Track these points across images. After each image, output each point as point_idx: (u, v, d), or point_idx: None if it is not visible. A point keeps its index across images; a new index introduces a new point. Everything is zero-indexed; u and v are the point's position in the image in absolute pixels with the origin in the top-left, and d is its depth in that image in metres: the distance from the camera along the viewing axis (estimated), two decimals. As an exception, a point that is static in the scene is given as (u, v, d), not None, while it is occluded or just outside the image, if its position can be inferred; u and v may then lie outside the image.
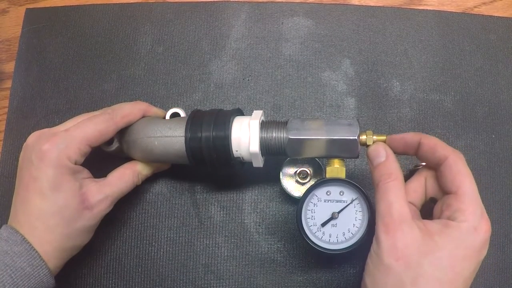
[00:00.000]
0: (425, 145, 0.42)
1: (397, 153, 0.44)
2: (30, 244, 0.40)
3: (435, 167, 0.42)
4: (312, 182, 0.49)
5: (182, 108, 0.50)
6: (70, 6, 0.59)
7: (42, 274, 0.41)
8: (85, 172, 0.46)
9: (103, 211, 0.45)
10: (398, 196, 0.39)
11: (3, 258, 0.39)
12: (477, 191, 0.39)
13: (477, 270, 0.38)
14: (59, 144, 0.42)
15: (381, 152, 0.42)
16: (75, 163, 0.43)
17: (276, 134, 0.45)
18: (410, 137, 0.43)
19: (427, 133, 0.54)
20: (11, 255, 0.40)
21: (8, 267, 0.39)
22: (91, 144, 0.44)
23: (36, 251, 0.40)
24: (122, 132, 0.48)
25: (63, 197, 0.42)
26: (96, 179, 0.46)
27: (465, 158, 0.53)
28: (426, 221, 0.39)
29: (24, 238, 0.41)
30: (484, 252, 0.38)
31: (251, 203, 0.53)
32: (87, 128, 0.44)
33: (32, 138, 0.44)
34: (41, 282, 0.41)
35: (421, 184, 0.44)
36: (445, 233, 0.37)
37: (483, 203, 0.52)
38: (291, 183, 0.50)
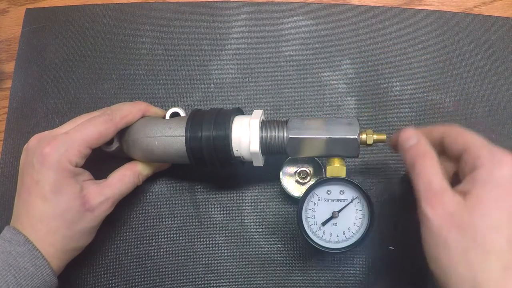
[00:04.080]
0: (448, 138, 0.41)
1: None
2: (33, 245, 0.41)
3: (452, 154, 0.41)
4: (312, 182, 0.49)
5: (182, 108, 0.50)
6: (70, 6, 0.59)
7: (45, 274, 0.41)
8: (86, 174, 0.46)
9: (104, 213, 0.45)
10: (436, 172, 0.38)
11: (7, 258, 0.40)
12: (487, 141, 0.38)
13: None
14: (59, 148, 0.42)
15: (412, 135, 0.41)
16: (76, 166, 0.44)
17: (277, 134, 0.45)
18: (435, 129, 0.43)
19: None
20: (15, 256, 0.40)
21: (12, 267, 0.39)
22: (91, 146, 0.44)
23: (39, 251, 0.41)
24: (122, 132, 0.48)
25: (65, 200, 0.42)
26: (97, 181, 0.46)
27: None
28: (458, 186, 0.38)
29: (27, 239, 0.41)
30: None
31: (251, 203, 0.53)
32: (86, 130, 0.44)
33: (33, 141, 0.44)
34: (44, 282, 0.41)
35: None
36: (477, 183, 0.36)
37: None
38: (291, 183, 0.50)
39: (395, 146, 0.44)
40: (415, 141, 0.41)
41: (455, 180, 0.40)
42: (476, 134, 0.40)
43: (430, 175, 0.38)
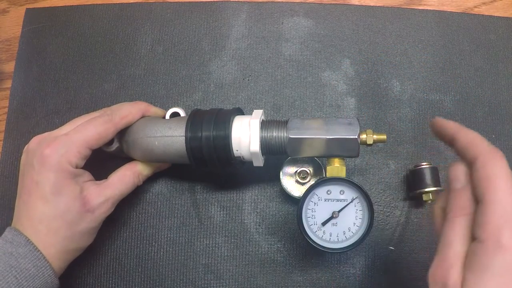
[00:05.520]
0: (459, 143, 0.36)
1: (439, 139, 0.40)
2: (34, 246, 0.41)
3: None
4: (312, 182, 0.49)
5: (182, 108, 0.50)
6: (70, 6, 0.59)
7: (46, 275, 0.41)
8: (86, 175, 0.46)
9: (105, 213, 0.45)
10: (460, 238, 0.33)
11: (8, 259, 0.40)
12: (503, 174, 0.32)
13: None
14: (59, 149, 0.42)
15: (460, 177, 0.36)
16: (76, 167, 0.44)
17: (277, 134, 0.45)
18: (448, 126, 0.38)
19: (427, 134, 0.54)
20: (16, 257, 0.40)
21: (13, 268, 0.39)
22: (91, 147, 0.44)
23: (41, 252, 0.41)
24: (122, 132, 0.48)
25: (65, 201, 0.42)
26: (97, 182, 0.46)
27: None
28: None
29: (28, 240, 0.41)
30: None
31: (251, 203, 0.53)
32: (86, 131, 0.44)
33: (33, 142, 0.45)
34: (45, 283, 0.41)
35: None
36: (475, 270, 0.31)
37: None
38: (291, 183, 0.50)
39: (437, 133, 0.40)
40: (459, 185, 0.36)
41: None
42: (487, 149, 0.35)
43: (454, 238, 0.34)
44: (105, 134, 0.45)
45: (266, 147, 0.45)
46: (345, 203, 0.45)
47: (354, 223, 0.45)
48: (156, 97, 0.56)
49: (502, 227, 0.31)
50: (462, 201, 0.34)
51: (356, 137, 0.44)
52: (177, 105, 0.55)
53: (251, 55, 0.57)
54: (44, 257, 0.41)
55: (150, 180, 0.52)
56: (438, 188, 0.50)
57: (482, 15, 0.58)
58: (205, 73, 0.57)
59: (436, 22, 0.58)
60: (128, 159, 0.50)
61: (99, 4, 0.59)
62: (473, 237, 0.33)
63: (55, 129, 0.46)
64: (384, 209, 0.52)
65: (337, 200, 0.45)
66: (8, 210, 0.51)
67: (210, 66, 0.57)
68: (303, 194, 0.45)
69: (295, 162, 0.50)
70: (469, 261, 0.32)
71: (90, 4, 0.59)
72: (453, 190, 0.35)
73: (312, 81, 0.56)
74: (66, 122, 0.47)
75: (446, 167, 0.53)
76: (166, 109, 0.50)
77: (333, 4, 0.59)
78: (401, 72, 0.56)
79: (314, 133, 0.44)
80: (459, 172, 0.36)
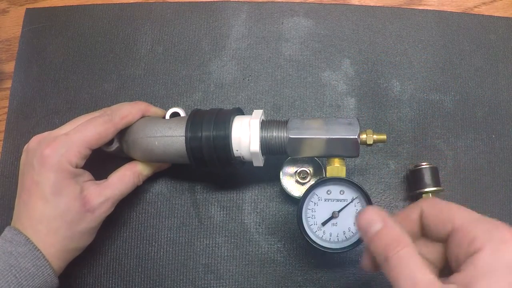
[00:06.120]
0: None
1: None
2: (34, 245, 0.41)
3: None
4: (312, 182, 0.49)
5: (182, 108, 0.50)
6: (70, 6, 0.59)
7: (46, 274, 0.41)
8: (86, 175, 0.46)
9: (105, 213, 0.45)
10: (417, 264, 0.30)
11: (8, 258, 0.40)
12: (476, 213, 0.32)
13: None
14: (59, 149, 0.42)
15: (374, 218, 0.34)
16: (76, 167, 0.44)
17: (277, 134, 0.45)
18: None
19: (427, 134, 0.54)
20: (16, 256, 0.40)
21: (13, 268, 0.39)
22: (91, 147, 0.44)
23: (40, 252, 0.41)
24: (122, 132, 0.48)
25: (65, 201, 0.42)
26: (97, 182, 0.46)
27: (465, 158, 0.54)
28: (454, 277, 0.31)
29: (28, 239, 0.41)
30: None
31: (251, 203, 0.53)
32: (86, 131, 0.44)
33: (33, 142, 0.45)
34: (45, 282, 0.41)
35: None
36: (481, 274, 0.29)
37: (482, 204, 0.53)
38: (291, 182, 0.50)
39: (367, 265, 0.37)
40: (380, 225, 0.33)
41: (444, 267, 0.35)
42: (460, 206, 0.34)
43: (411, 269, 0.30)
44: (105, 134, 0.45)
45: (266, 147, 0.45)
46: (345, 203, 0.45)
47: (354, 223, 0.45)
48: (156, 97, 0.56)
49: (489, 230, 0.31)
50: (394, 235, 0.33)
51: (356, 137, 0.44)
52: (177, 105, 0.55)
53: (251, 55, 0.57)
54: (44, 257, 0.41)
55: (150, 180, 0.52)
56: (438, 188, 0.50)
57: (482, 15, 0.58)
58: (205, 73, 0.57)
59: (436, 22, 0.58)
60: (128, 159, 0.50)
61: (99, 4, 0.59)
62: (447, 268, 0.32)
63: (55, 129, 0.46)
64: (384, 209, 0.52)
65: (337, 200, 0.45)
66: (8, 210, 0.51)
67: (210, 66, 0.57)
68: (303, 194, 0.45)
69: (295, 162, 0.50)
70: (470, 267, 0.30)
71: (90, 4, 0.59)
72: (375, 233, 0.33)
73: (312, 81, 0.56)
74: (66, 122, 0.47)
75: (446, 168, 0.53)
76: (166, 109, 0.50)
77: (333, 4, 0.59)
78: (401, 72, 0.56)
79: (314, 133, 0.44)
80: (372, 216, 0.34)
